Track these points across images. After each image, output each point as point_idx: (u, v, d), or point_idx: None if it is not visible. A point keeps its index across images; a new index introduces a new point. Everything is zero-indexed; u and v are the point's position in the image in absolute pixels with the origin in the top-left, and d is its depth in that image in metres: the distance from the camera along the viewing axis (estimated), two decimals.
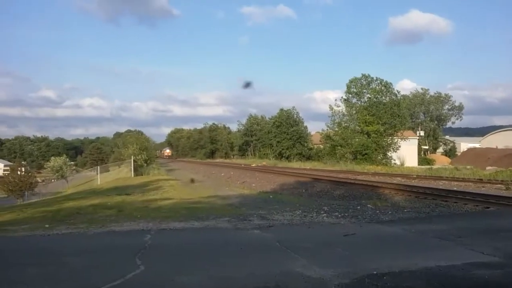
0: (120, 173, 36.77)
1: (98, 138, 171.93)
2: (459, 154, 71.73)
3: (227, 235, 7.96)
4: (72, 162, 53.37)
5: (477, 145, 76.66)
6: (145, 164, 37.33)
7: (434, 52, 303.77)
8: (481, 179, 21.86)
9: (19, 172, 33.74)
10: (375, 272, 5.06)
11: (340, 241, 7.06)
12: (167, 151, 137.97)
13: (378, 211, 11.11)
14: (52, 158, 41.86)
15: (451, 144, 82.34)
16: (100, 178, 34.10)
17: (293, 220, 9.66)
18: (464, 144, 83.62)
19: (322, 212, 11.03)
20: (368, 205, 12.39)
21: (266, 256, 6.12)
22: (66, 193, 27.80)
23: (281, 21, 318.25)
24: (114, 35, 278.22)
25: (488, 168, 35.93)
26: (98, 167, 39.06)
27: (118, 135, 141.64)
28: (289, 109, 65.21)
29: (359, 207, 11.99)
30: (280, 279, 4.85)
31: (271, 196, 16.31)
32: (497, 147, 62.73)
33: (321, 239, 7.43)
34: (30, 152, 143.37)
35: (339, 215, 10.42)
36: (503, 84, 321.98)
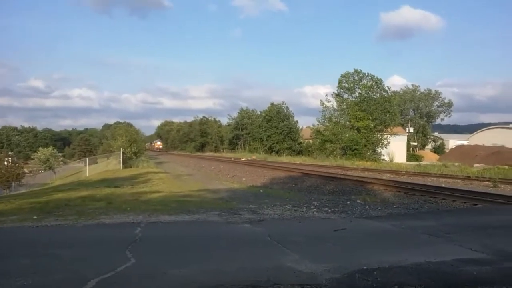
0: (109, 165, 36.46)
1: (86, 129, 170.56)
2: (447, 151, 72.47)
3: (218, 229, 7.95)
4: (59, 154, 52.75)
5: (465, 143, 77.40)
6: (134, 157, 37.14)
7: (425, 48, 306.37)
8: (469, 176, 22.13)
9: (5, 163, 33.30)
10: (365, 267, 5.10)
11: (330, 236, 7.09)
12: (158, 144, 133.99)
13: (367, 207, 11.18)
14: (40, 149, 41.40)
15: (439, 141, 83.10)
16: (88, 170, 33.85)
17: (284, 215, 9.68)
18: (452, 141, 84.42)
19: (312, 207, 11.07)
20: (358, 201, 12.47)
21: (257, 250, 6.12)
22: (54, 184, 27.53)
23: (273, 14, 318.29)
24: (105, 25, 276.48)
25: (475, 165, 36.31)
26: (87, 158, 38.75)
27: (107, 126, 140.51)
28: (279, 104, 65.30)
29: (348, 202, 12.06)
30: (271, 273, 4.86)
31: (261, 191, 16.33)
32: (484, 144, 63.43)
33: (312, 233, 7.45)
34: (17, 143, 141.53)
35: (329, 210, 10.47)
36: (492, 82, 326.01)
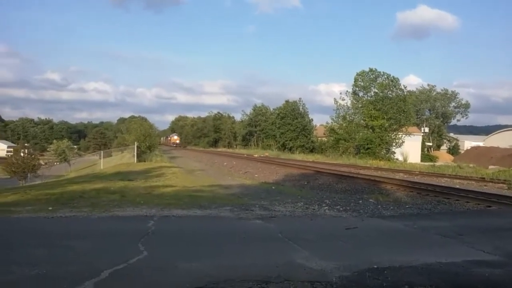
0: (123, 159, 36.81)
1: (102, 122, 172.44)
2: (462, 152, 71.52)
3: (230, 224, 8.01)
4: (75, 146, 53.47)
5: (481, 144, 76.35)
6: (148, 151, 37.42)
7: (441, 48, 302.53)
8: (484, 178, 21.83)
9: (22, 154, 33.84)
10: (376, 266, 5.11)
11: (341, 234, 7.09)
12: (175, 138, 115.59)
13: (380, 206, 11.13)
14: (54, 141, 41.96)
15: (454, 142, 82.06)
16: (103, 162, 34.20)
17: (295, 212, 9.70)
18: (468, 142, 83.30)
19: (324, 205, 11.07)
20: (370, 200, 12.42)
21: (268, 246, 6.16)
22: (69, 176, 27.91)
23: (288, 11, 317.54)
24: (121, 19, 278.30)
25: (490, 167, 35.82)
26: (101, 151, 39.15)
27: (121, 120, 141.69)
28: (295, 101, 65.05)
29: (360, 201, 12.02)
30: (282, 269, 4.90)
31: (273, 187, 16.34)
32: (498, 146, 62.51)
33: (323, 231, 7.47)
34: (33, 135, 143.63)
35: (341, 209, 10.46)
36: (509, 83, 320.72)
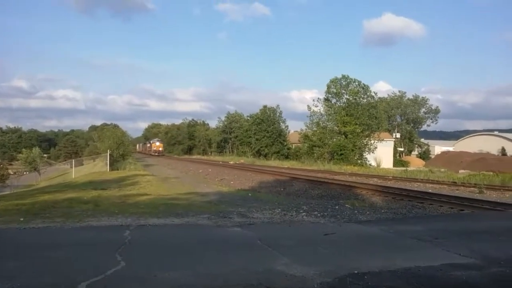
0: (95, 167, 36.13)
1: (72, 130, 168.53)
2: (433, 156, 73.25)
3: (208, 232, 7.92)
4: (45, 155, 52.12)
5: (450, 149, 78.41)
6: (122, 159, 36.84)
7: (408, 55, 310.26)
8: (455, 182, 22.40)
9: None
10: (356, 272, 5.12)
11: (320, 240, 7.11)
12: (157, 144, 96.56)
13: (356, 211, 11.25)
14: (24, 150, 40.82)
15: (425, 147, 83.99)
16: (74, 171, 33.47)
17: (273, 219, 9.69)
18: (438, 147, 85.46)
19: (302, 211, 11.10)
20: (346, 205, 12.54)
21: (248, 253, 6.11)
22: (39, 186, 27.19)
23: (257, 19, 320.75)
24: (89, 27, 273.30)
25: (461, 171, 36.76)
26: (73, 160, 38.32)
27: (93, 128, 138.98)
28: (273, 107, 65.41)
29: (337, 207, 12.12)
30: (262, 277, 4.85)
31: (249, 194, 16.31)
32: (467, 151, 64.30)
33: (302, 237, 7.47)
34: (1, 143, 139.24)
35: (319, 214, 10.51)
36: (475, 89, 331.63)
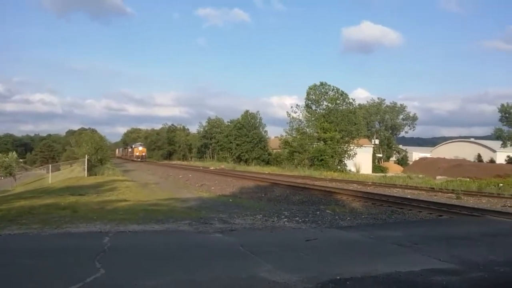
0: (73, 173, 35.45)
1: (49, 135, 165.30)
2: (411, 163, 74.38)
3: (189, 239, 7.83)
4: (21, 160, 50.98)
5: (428, 155, 79.84)
6: (100, 164, 36.28)
7: (386, 63, 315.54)
8: (433, 188, 22.74)
9: None
10: (338, 277, 5.13)
11: (302, 246, 7.10)
12: (140, 149, 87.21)
13: (337, 217, 11.29)
14: None
15: (403, 153, 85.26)
16: (51, 177, 32.79)
17: (255, 224, 9.65)
18: (415, 154, 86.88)
19: (283, 216, 11.09)
20: (327, 211, 12.58)
21: (230, 260, 6.06)
22: (15, 191, 26.50)
23: (237, 24, 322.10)
24: (67, 30, 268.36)
25: (438, 177, 37.37)
26: (50, 165, 37.54)
27: (71, 133, 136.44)
28: (253, 113, 65.50)
29: (318, 212, 12.15)
30: (245, 284, 4.83)
31: (230, 200, 16.23)
32: (444, 157, 65.57)
33: (284, 243, 7.45)
34: None
35: (300, 220, 10.51)
36: (451, 97, 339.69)
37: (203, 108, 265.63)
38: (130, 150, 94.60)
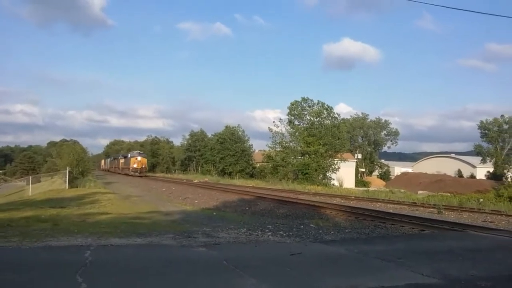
0: (53, 184, 34.84)
1: (30, 146, 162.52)
2: (393, 177, 75.23)
3: (173, 253, 7.74)
4: (0, 171, 49.95)
5: (409, 170, 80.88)
6: (81, 176, 35.78)
7: (367, 78, 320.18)
8: (415, 203, 23.00)
9: None
10: None
11: (287, 260, 7.09)
12: (138, 159, 64.76)
13: (321, 231, 11.30)
14: None
15: (385, 168, 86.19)
16: (31, 188, 32.14)
17: (239, 238, 9.60)
18: (397, 168, 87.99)
19: (267, 230, 11.06)
20: (311, 225, 12.59)
21: (214, 275, 6.01)
22: None
23: (219, 39, 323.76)
24: (49, 41, 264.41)
25: (420, 192, 37.85)
26: (30, 177, 36.86)
27: (52, 144, 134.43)
28: (235, 127, 65.57)
29: (302, 226, 12.14)
30: None
31: (214, 213, 16.15)
32: (426, 172, 66.51)
33: (269, 258, 7.42)
34: None
35: (284, 234, 10.49)
36: (430, 112, 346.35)
37: (187, 121, 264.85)
38: (123, 161, 73.80)
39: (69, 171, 32.61)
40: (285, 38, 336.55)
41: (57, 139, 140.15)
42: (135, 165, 63.83)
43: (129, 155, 68.67)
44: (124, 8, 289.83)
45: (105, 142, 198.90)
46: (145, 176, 61.15)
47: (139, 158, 65.15)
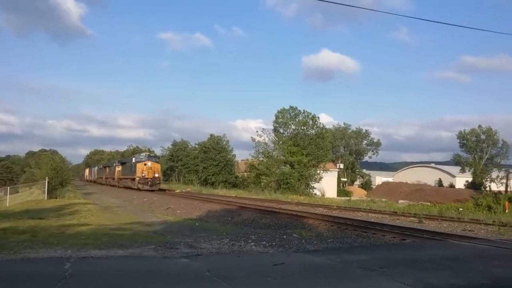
0: (32, 195, 34.19)
1: (8, 156, 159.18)
2: (374, 187, 76.01)
3: (155, 264, 7.63)
4: None
5: (390, 180, 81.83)
6: (60, 187, 35.18)
7: (346, 89, 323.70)
8: (396, 212, 23.23)
9: None
10: None
11: (270, 271, 7.06)
12: (148, 165, 45.36)
13: (303, 241, 11.30)
14: None
15: (367, 177, 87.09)
16: (9, 199, 31.49)
17: (222, 249, 9.53)
18: (378, 178, 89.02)
19: (250, 240, 11.02)
20: (294, 235, 12.58)
21: (197, 286, 5.96)
22: None
23: (199, 49, 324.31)
24: (27, 50, 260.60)
25: (400, 201, 38.31)
26: (8, 187, 36.09)
27: (30, 154, 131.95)
28: (219, 136, 65.51)
29: (285, 236, 12.13)
30: None
31: (197, 224, 16.05)
32: (406, 182, 67.39)
33: (252, 268, 7.39)
34: None
35: (267, 244, 10.46)
36: (408, 123, 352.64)
37: (168, 130, 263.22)
38: (120, 168, 53.90)
39: (48, 182, 32.06)
40: (264, 49, 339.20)
41: (36, 149, 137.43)
42: (143, 174, 43.80)
43: (133, 160, 47.49)
44: (103, 18, 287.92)
45: (85, 152, 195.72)
46: (156, 189, 43.79)
47: (149, 163, 44.63)
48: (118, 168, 55.52)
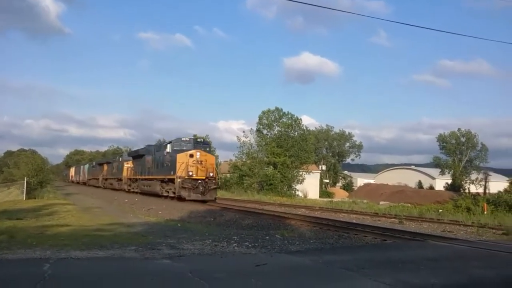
0: (10, 195, 33.45)
1: None
2: (356, 188, 76.67)
3: (136, 265, 7.56)
4: None
5: (371, 181, 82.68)
6: (40, 187, 34.55)
7: (327, 91, 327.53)
8: (377, 213, 23.48)
9: None
10: None
11: (252, 271, 7.06)
12: (197, 157, 25.24)
13: (286, 242, 11.33)
14: None
15: (349, 179, 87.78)
16: None
17: (204, 250, 9.49)
18: (360, 180, 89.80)
19: (233, 241, 10.99)
20: (277, 235, 12.60)
21: (179, 287, 5.91)
22: None
23: (179, 49, 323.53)
24: (3, 48, 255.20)
25: (381, 202, 38.70)
26: None
27: (9, 153, 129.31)
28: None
29: (267, 237, 12.13)
30: None
31: (179, 225, 15.92)
32: (387, 183, 68.17)
33: (234, 269, 7.38)
34: None
35: (250, 245, 10.45)
36: (389, 125, 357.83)
37: (149, 131, 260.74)
38: (137, 164, 36.80)
39: (27, 182, 31.46)
40: (245, 51, 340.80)
41: (14, 148, 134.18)
42: (190, 172, 25.52)
43: (168, 149, 28.04)
44: (81, 17, 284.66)
45: (64, 151, 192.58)
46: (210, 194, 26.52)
47: (197, 155, 25.92)
48: (128, 165, 39.14)
